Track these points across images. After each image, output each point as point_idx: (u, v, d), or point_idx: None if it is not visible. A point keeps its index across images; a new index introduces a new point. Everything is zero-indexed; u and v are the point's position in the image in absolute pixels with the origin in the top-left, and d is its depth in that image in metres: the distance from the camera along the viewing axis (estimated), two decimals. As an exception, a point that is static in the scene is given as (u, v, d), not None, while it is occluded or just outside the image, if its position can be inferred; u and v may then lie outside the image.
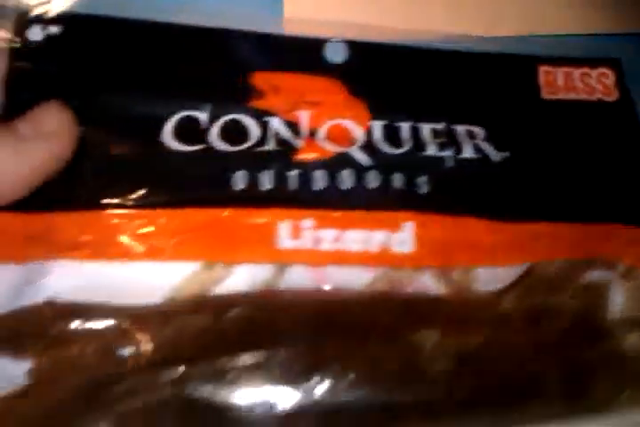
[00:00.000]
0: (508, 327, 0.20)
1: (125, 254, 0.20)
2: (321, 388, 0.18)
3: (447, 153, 0.22)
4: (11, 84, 0.22)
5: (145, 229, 0.20)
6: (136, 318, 0.19)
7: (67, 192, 0.21)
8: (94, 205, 0.21)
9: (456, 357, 0.19)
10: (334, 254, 0.20)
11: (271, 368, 0.18)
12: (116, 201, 0.21)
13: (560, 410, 0.19)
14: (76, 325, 0.19)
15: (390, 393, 0.18)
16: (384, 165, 0.22)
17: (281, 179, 0.21)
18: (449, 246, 0.21)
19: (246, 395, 0.18)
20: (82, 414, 0.18)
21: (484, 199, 0.22)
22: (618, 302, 0.21)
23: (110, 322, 0.19)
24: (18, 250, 0.20)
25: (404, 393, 0.19)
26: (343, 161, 0.22)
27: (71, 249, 0.20)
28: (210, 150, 0.21)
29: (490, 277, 0.21)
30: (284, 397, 0.18)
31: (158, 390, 0.18)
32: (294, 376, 0.18)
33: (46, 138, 0.21)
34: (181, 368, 0.18)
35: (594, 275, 0.22)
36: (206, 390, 0.18)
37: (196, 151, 0.21)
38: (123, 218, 0.20)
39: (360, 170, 0.21)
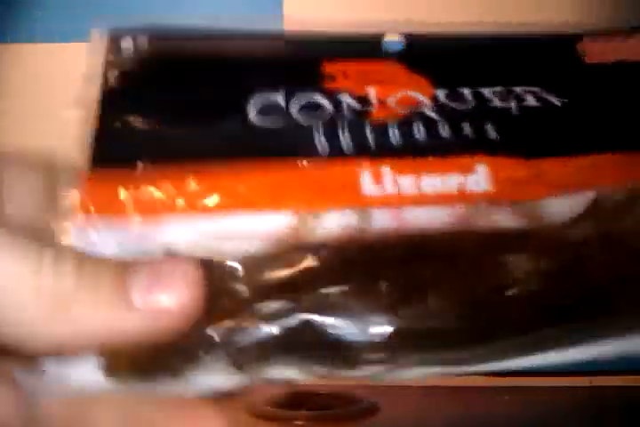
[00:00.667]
0: (581, 253, 0.21)
1: (223, 208, 0.21)
2: (411, 314, 0.20)
3: (511, 103, 0.24)
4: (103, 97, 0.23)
5: (238, 187, 0.22)
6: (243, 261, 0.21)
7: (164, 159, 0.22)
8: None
9: (538, 278, 0.21)
10: (414, 197, 0.22)
11: (364, 298, 0.20)
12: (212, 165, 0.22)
13: (630, 325, 0.21)
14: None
15: (478, 315, 0.20)
16: (453, 117, 0.23)
17: (359, 138, 0.22)
18: (521, 183, 0.22)
19: (344, 323, 0.20)
20: (195, 351, 0.19)
21: (551, 138, 0.23)
22: None
23: (219, 266, 0.20)
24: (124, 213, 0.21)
25: (491, 315, 0.20)
26: (414, 118, 0.23)
27: (181, 206, 0.21)
28: (291, 123, 0.23)
29: (559, 208, 0.22)
30: (378, 323, 0.20)
31: (265, 323, 0.19)
32: (385, 304, 0.20)
33: (154, 315, 0.17)
34: (281, 303, 0.20)
35: None
36: (307, 320, 0.20)
37: (278, 126, 0.23)
38: (220, 177, 0.22)
39: (431, 123, 0.23)
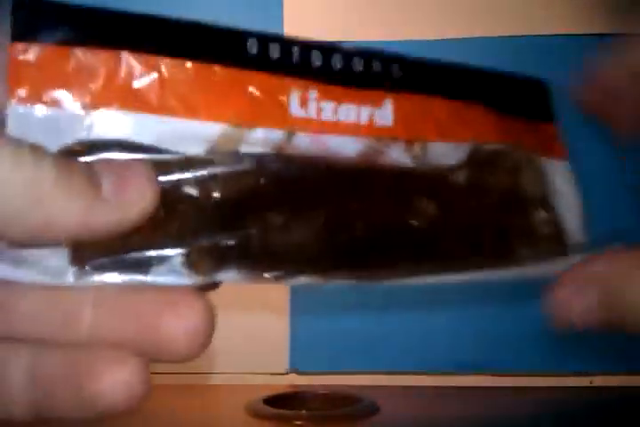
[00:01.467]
0: (458, 196, 0.25)
1: (163, 108, 0.21)
2: (335, 233, 0.23)
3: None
4: None
5: (178, 88, 0.21)
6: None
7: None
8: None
9: (425, 217, 0.24)
10: (333, 125, 0.23)
11: (298, 224, 0.22)
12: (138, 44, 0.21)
13: (491, 264, 0.25)
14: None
15: (385, 237, 0.24)
16: (365, 52, 0.25)
17: (286, 51, 0.23)
18: (417, 122, 0.25)
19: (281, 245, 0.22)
20: (159, 242, 0.20)
21: (445, 81, 0.26)
22: (529, 181, 0.27)
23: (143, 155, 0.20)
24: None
25: (393, 240, 0.24)
26: (334, 47, 0.24)
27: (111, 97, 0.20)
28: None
29: (441, 153, 0.25)
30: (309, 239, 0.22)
31: (219, 235, 0.21)
32: (319, 229, 0.22)
33: (123, 206, 0.19)
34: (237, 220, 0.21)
35: (514, 159, 0.27)
36: (255, 229, 0.21)
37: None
38: (147, 66, 0.21)
39: (347, 54, 0.24)
